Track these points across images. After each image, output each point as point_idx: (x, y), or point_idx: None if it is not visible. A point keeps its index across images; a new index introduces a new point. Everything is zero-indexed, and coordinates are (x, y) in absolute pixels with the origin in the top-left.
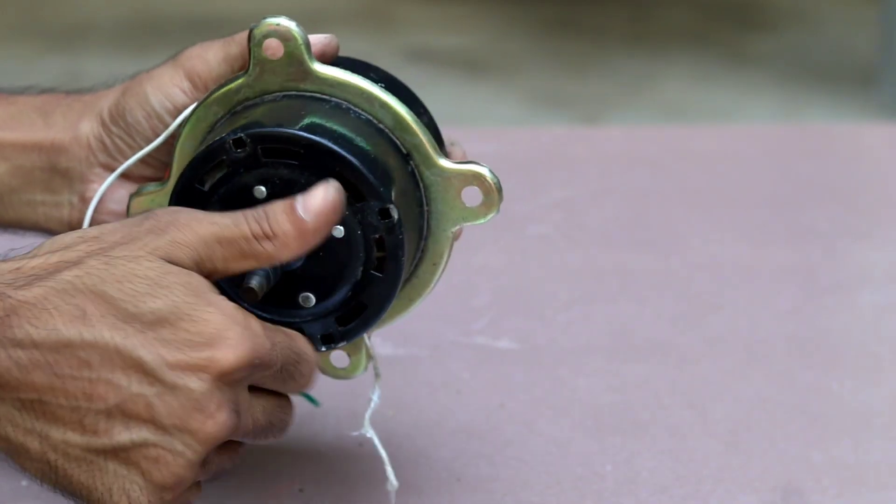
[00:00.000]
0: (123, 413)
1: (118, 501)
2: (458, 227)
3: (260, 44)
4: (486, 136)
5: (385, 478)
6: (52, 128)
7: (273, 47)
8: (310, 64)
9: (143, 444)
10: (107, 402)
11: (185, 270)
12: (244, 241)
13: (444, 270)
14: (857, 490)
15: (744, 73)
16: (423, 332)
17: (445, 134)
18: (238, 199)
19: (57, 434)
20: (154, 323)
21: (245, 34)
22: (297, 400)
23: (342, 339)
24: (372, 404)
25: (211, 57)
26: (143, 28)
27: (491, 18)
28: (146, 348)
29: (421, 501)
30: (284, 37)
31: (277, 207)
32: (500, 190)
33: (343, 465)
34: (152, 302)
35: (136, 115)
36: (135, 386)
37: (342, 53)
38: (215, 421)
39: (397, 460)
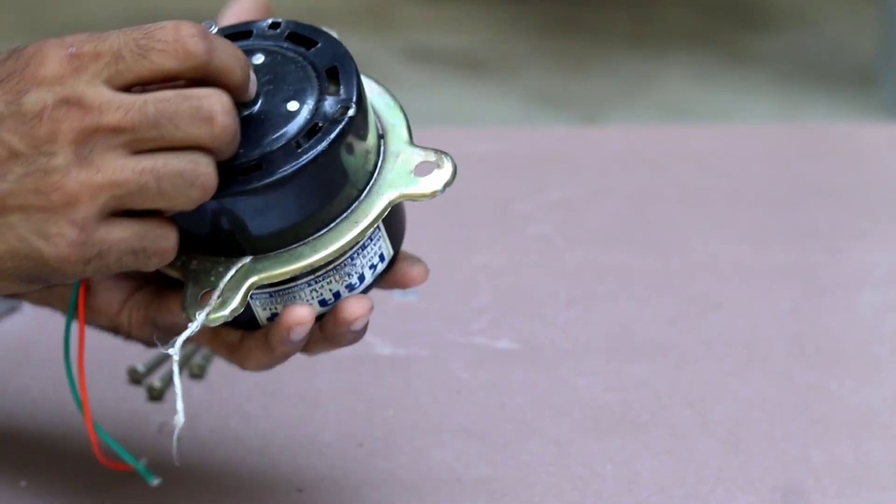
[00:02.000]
0: None
1: (38, 246)
2: (397, 196)
3: None
4: (486, 135)
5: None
6: None
7: None
8: None
9: (12, 191)
10: None
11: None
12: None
13: (358, 237)
14: (857, 490)
15: (743, 72)
16: (423, 332)
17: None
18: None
19: None
20: None
21: None
22: (294, 392)
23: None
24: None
25: None
26: None
27: (490, 18)
28: None
29: (420, 502)
30: None
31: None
32: (454, 167)
33: (342, 465)
34: None
35: None
36: None
37: None
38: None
39: (397, 460)
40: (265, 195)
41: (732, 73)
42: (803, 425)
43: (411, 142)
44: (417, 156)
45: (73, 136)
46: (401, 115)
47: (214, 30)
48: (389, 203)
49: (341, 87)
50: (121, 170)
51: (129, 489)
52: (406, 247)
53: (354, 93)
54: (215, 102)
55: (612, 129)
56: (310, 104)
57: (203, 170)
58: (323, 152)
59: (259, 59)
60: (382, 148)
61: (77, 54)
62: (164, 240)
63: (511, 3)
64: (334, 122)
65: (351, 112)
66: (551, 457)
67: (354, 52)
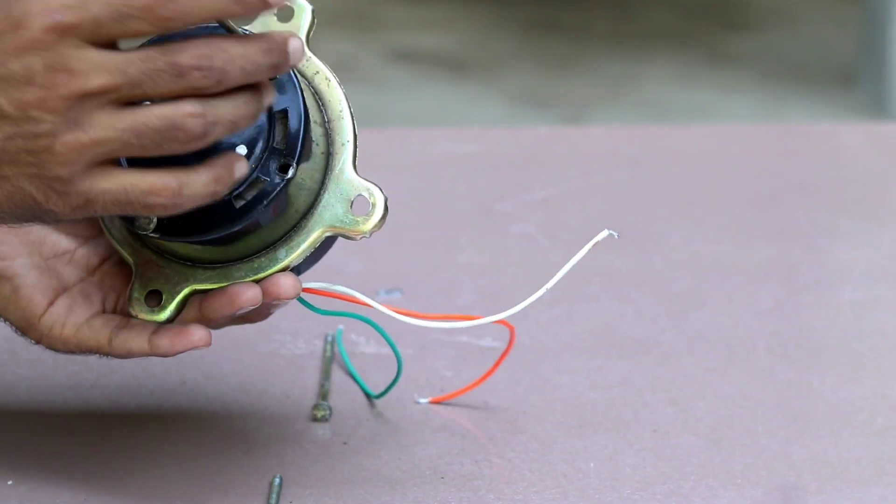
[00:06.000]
0: None
1: (31, 192)
2: (330, 232)
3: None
4: (470, 136)
5: (374, 476)
6: None
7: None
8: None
9: (4, 148)
10: None
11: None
12: None
13: (293, 262)
14: (837, 486)
15: (725, 72)
16: (407, 330)
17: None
18: None
19: None
20: None
21: None
22: (279, 391)
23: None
24: None
25: None
26: None
27: (474, 19)
28: None
29: (405, 499)
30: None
31: None
32: (385, 211)
33: (328, 463)
34: None
35: None
36: None
37: (331, 53)
38: (71, 75)
39: (381, 458)
40: (204, 242)
41: (714, 73)
42: (785, 422)
43: (354, 168)
44: (356, 190)
45: (62, 102)
46: (351, 135)
47: None
48: (319, 237)
49: (288, 138)
50: (105, 128)
51: (115, 487)
52: (392, 247)
53: (297, 152)
54: (192, 55)
55: (595, 129)
56: (257, 153)
57: (181, 122)
58: (259, 214)
59: None
60: (329, 167)
61: (62, 22)
62: (152, 196)
63: (494, 5)
64: (271, 189)
65: (290, 175)
66: (534, 454)
67: (339, 53)
